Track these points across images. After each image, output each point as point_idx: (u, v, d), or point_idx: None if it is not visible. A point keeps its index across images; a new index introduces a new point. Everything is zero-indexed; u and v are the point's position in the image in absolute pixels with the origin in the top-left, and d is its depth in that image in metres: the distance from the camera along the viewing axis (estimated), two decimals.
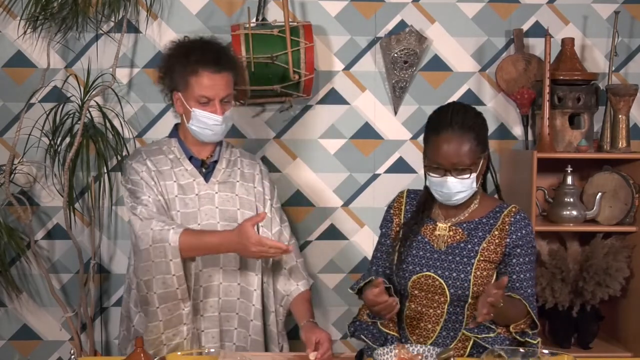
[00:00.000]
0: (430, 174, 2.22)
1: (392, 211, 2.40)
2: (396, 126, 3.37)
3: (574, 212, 3.15)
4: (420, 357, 1.96)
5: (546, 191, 3.23)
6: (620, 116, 3.15)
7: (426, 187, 2.31)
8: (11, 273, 3.28)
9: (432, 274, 2.23)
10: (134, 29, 3.28)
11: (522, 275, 2.23)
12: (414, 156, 3.36)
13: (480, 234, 2.25)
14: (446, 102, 2.37)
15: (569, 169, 3.19)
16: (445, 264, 2.23)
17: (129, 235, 2.49)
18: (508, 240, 2.24)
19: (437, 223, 2.29)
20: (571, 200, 3.16)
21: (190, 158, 2.46)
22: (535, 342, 2.19)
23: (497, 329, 2.18)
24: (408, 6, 3.34)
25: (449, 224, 2.28)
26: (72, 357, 1.91)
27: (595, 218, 3.19)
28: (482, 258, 2.22)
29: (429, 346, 2.02)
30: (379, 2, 3.34)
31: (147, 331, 2.33)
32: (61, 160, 3.20)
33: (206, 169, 2.47)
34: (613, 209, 3.18)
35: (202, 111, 2.36)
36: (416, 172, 3.36)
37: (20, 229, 3.28)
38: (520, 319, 2.19)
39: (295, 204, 3.34)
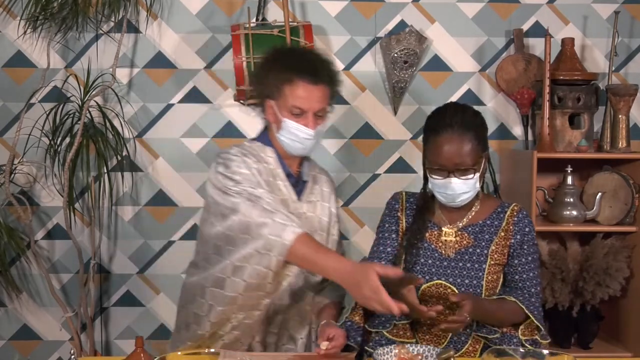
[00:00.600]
0: (433, 176, 2.19)
1: (398, 213, 2.32)
2: (396, 126, 3.37)
3: (574, 212, 3.15)
4: (420, 357, 1.96)
5: (546, 191, 3.23)
6: (620, 116, 3.15)
7: (424, 190, 2.28)
8: (11, 273, 3.28)
9: (443, 282, 2.19)
10: (134, 29, 3.28)
11: (525, 275, 2.21)
12: (414, 156, 3.36)
13: (487, 237, 2.22)
14: (445, 103, 2.36)
15: (569, 169, 3.18)
16: (456, 271, 2.19)
17: (225, 225, 2.15)
18: (512, 240, 2.22)
19: (442, 228, 2.25)
20: (571, 200, 3.16)
21: (288, 175, 2.29)
22: (546, 342, 2.19)
23: (499, 329, 2.17)
24: (408, 6, 3.34)
25: (455, 229, 2.24)
26: (72, 357, 1.91)
27: (595, 218, 3.19)
28: (492, 262, 2.20)
29: (429, 346, 2.01)
30: (379, 2, 3.34)
31: (213, 312, 2.21)
32: (61, 160, 3.20)
33: (297, 185, 2.31)
34: (613, 209, 3.18)
35: (294, 123, 2.20)
36: (416, 172, 3.36)
37: (20, 229, 3.29)
38: (517, 319, 2.17)
39: None
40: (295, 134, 2.21)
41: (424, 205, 2.29)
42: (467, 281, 2.17)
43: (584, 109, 3.21)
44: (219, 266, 2.17)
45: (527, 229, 2.24)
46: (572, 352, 3.03)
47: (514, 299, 2.16)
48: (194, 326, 2.28)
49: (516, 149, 3.38)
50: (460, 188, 2.16)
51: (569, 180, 3.18)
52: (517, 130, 3.40)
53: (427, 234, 2.25)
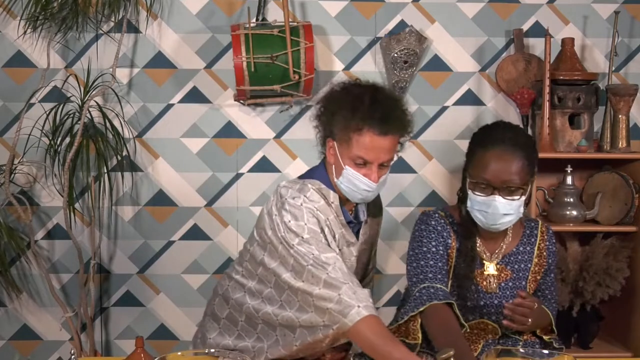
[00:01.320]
0: (476, 192, 2.06)
1: (445, 236, 2.17)
2: None
3: (574, 212, 3.15)
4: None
5: (546, 191, 3.22)
6: (620, 116, 3.15)
7: (466, 216, 2.14)
8: (11, 273, 3.28)
9: (486, 320, 2.17)
10: (134, 29, 3.28)
11: (552, 287, 2.27)
12: (414, 156, 3.36)
13: (522, 266, 2.19)
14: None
15: (569, 169, 3.18)
16: (500, 309, 2.13)
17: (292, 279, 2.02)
18: (546, 266, 2.24)
19: (484, 261, 2.17)
20: (571, 200, 3.16)
21: (349, 222, 2.18)
22: (554, 336, 2.22)
23: (520, 337, 2.19)
24: (408, 6, 3.34)
25: (495, 262, 2.17)
26: (72, 357, 1.90)
27: (595, 218, 3.19)
28: (530, 292, 2.20)
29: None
30: (379, 2, 3.34)
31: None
32: (61, 160, 3.20)
33: (354, 226, 2.21)
34: (613, 209, 3.18)
35: (356, 173, 2.06)
36: (416, 172, 3.36)
37: (20, 229, 3.28)
38: (545, 326, 2.22)
39: None
40: (355, 184, 2.08)
41: (469, 237, 2.14)
42: (506, 311, 2.10)
43: (584, 109, 3.21)
44: (285, 313, 2.05)
45: (554, 249, 2.26)
46: (572, 352, 3.03)
47: (547, 311, 2.19)
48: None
49: None
50: (504, 208, 2.04)
51: (569, 180, 3.18)
52: None
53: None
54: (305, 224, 2.03)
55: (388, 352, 1.85)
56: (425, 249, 2.14)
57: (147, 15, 3.28)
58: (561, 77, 3.20)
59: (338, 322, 1.92)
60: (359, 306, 1.90)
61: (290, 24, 3.10)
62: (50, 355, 3.38)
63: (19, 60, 3.27)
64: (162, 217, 3.36)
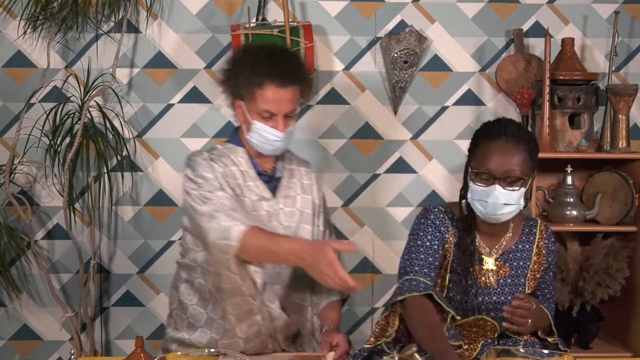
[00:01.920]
0: (477, 182, 2.09)
1: (444, 232, 2.17)
2: (396, 126, 3.37)
3: (574, 212, 3.15)
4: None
5: (546, 191, 3.22)
6: (620, 116, 3.15)
7: (466, 209, 2.16)
8: (11, 273, 3.28)
9: (485, 317, 2.16)
10: (134, 29, 3.28)
11: (551, 287, 2.27)
12: (414, 156, 3.36)
13: (521, 263, 2.19)
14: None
15: (569, 169, 3.18)
16: (498, 306, 2.14)
17: (192, 225, 2.28)
18: (545, 265, 2.24)
19: (483, 256, 2.18)
20: (571, 200, 3.16)
21: (259, 174, 2.33)
22: (556, 338, 2.21)
23: (521, 338, 2.18)
24: (408, 6, 3.34)
25: (494, 258, 2.18)
26: (72, 357, 1.91)
27: (595, 218, 3.19)
28: (528, 291, 2.20)
29: None
30: (379, 2, 3.34)
31: (216, 325, 2.27)
32: (61, 160, 3.20)
33: (271, 182, 2.34)
34: (613, 209, 3.18)
35: (264, 125, 2.23)
36: (416, 172, 3.36)
37: (20, 229, 3.29)
38: (545, 327, 2.21)
39: None
40: (264, 137, 2.24)
41: (469, 231, 2.17)
42: (505, 314, 2.11)
43: (584, 109, 3.22)
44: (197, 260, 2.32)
45: (553, 248, 2.26)
46: (572, 352, 3.02)
47: (546, 312, 2.19)
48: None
49: None
50: (504, 198, 2.07)
51: (569, 180, 3.18)
52: None
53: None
54: (202, 172, 2.24)
55: (277, 247, 2.11)
56: (419, 242, 2.16)
57: (147, 15, 3.28)
58: (561, 77, 3.20)
59: (227, 248, 2.11)
60: (236, 225, 2.11)
61: (290, 24, 3.10)
62: (50, 355, 3.38)
63: (19, 60, 3.27)
64: (162, 217, 3.36)
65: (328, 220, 2.50)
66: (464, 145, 2.26)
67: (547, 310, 2.20)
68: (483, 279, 2.17)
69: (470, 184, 2.12)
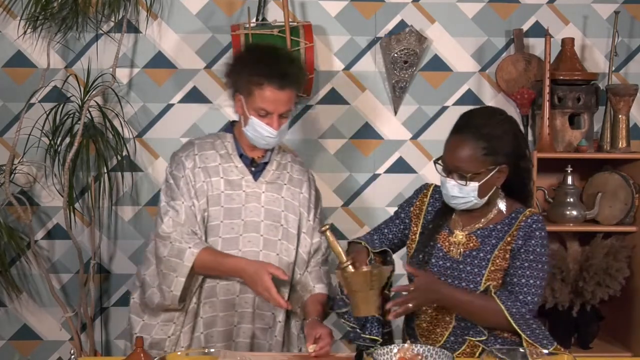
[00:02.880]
0: (439, 171, 2.22)
1: (415, 201, 2.35)
2: (396, 126, 3.37)
3: (574, 212, 3.15)
4: (420, 357, 1.96)
5: (546, 191, 3.23)
6: (620, 116, 3.15)
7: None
8: (11, 273, 3.28)
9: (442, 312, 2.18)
10: (134, 29, 3.29)
11: (523, 280, 2.11)
12: (414, 156, 3.36)
13: (493, 241, 2.18)
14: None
15: (569, 169, 3.19)
16: (459, 274, 2.17)
17: (152, 232, 2.47)
18: (514, 245, 2.15)
19: (454, 231, 2.22)
20: (571, 200, 3.16)
21: (241, 155, 2.47)
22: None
23: (486, 332, 2.15)
24: (408, 6, 3.34)
25: (465, 232, 2.21)
26: (72, 357, 1.91)
27: (595, 218, 3.20)
28: (493, 268, 2.15)
29: (429, 346, 2.00)
30: (379, 2, 3.34)
31: (145, 327, 2.45)
32: (61, 160, 3.20)
33: (255, 167, 2.47)
34: (613, 209, 3.18)
35: (260, 122, 2.37)
36: (416, 172, 3.36)
37: (20, 229, 3.29)
38: (498, 321, 2.10)
39: None
40: (259, 132, 2.38)
41: (443, 208, 2.27)
42: (464, 284, 2.15)
43: (584, 109, 3.22)
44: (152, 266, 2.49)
45: (532, 234, 2.14)
46: (572, 352, 3.02)
47: (495, 297, 2.10)
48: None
49: None
50: (454, 190, 2.15)
51: (569, 180, 3.18)
52: None
53: (438, 235, 2.24)
54: (173, 171, 2.43)
55: (223, 262, 2.33)
56: (394, 215, 2.38)
57: (147, 15, 3.28)
58: (561, 77, 3.20)
59: (178, 267, 2.31)
60: (190, 247, 2.31)
61: (290, 24, 3.10)
62: (50, 355, 3.38)
63: (19, 60, 3.27)
64: None
65: (322, 220, 2.56)
66: None
67: (502, 305, 2.08)
68: (451, 248, 2.21)
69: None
